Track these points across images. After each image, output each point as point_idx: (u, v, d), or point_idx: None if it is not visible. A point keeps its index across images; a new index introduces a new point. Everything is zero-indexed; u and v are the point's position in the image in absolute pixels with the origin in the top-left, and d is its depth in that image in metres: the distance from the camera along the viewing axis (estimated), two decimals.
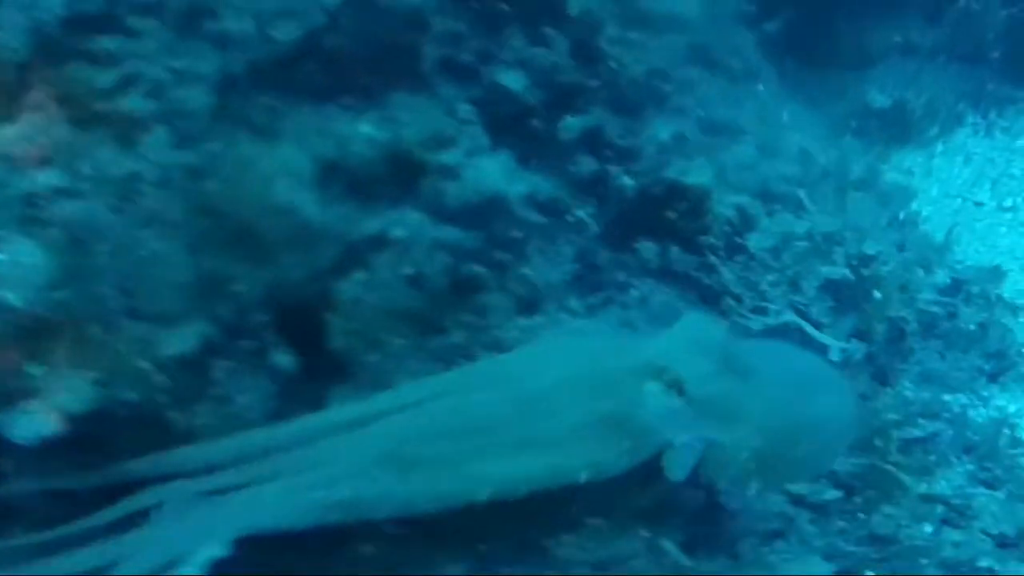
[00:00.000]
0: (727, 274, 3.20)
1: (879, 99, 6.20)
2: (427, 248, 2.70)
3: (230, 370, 2.52)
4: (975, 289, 4.91)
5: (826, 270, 3.44)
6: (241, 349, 2.55)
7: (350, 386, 2.63)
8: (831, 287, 3.44)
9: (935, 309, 4.81)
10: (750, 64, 5.84)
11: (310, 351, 2.60)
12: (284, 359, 2.55)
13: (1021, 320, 5.04)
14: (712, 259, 3.16)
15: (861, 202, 5.25)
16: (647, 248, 3.08)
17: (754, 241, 3.32)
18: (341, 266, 2.66)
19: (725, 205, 3.31)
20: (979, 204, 5.75)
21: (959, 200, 5.78)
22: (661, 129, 3.12)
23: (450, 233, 2.76)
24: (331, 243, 2.65)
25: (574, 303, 2.92)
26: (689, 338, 2.16)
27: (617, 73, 3.07)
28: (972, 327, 4.72)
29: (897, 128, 6.21)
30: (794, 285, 3.31)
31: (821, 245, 3.48)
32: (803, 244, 3.37)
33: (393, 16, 2.81)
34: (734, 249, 3.27)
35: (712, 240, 3.21)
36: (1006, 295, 5.07)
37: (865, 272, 3.55)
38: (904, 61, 6.52)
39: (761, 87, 4.69)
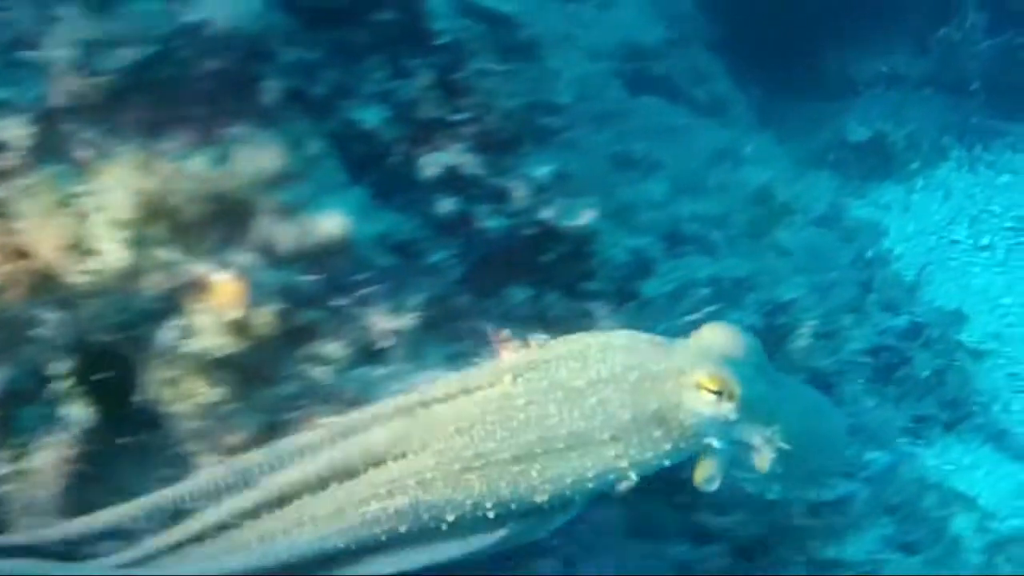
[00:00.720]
0: (611, 323, 2.96)
1: (858, 132, 5.92)
2: (257, 292, 2.49)
3: (30, 418, 2.35)
4: (935, 333, 4.63)
5: (733, 317, 3.18)
6: (42, 397, 2.38)
7: (160, 439, 2.44)
8: None
9: (889, 354, 4.55)
10: (717, 94, 5.61)
11: (116, 402, 2.41)
12: (83, 411, 2.37)
13: (986, 365, 4.74)
14: (593, 306, 2.92)
15: (822, 240, 5.02)
16: (516, 294, 2.85)
17: (650, 287, 3.08)
18: (159, 311, 2.46)
19: (619, 248, 3.07)
20: (955, 242, 5.44)
21: (935, 237, 5.48)
22: (541, 166, 2.89)
23: (284, 277, 2.56)
24: (149, 286, 2.46)
25: (429, 352, 2.71)
26: (726, 343, 2.18)
27: (488, 107, 2.85)
28: (927, 373, 4.44)
29: (876, 161, 5.92)
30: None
31: (730, 291, 3.23)
32: (707, 291, 3.12)
33: (234, 45, 2.62)
34: (625, 296, 3.03)
35: (597, 286, 2.97)
36: (969, 340, 4.77)
37: (780, 320, 3.29)
38: (888, 92, 6.23)
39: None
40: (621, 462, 2.09)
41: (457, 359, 2.68)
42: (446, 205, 2.81)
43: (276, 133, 2.66)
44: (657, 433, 2.08)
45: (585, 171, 3.16)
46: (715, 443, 2.11)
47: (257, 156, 2.62)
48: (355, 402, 2.51)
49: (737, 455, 2.16)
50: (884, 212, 5.66)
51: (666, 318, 3.06)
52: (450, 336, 2.75)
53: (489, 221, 2.83)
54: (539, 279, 2.90)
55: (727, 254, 3.34)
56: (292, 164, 2.63)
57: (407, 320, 2.63)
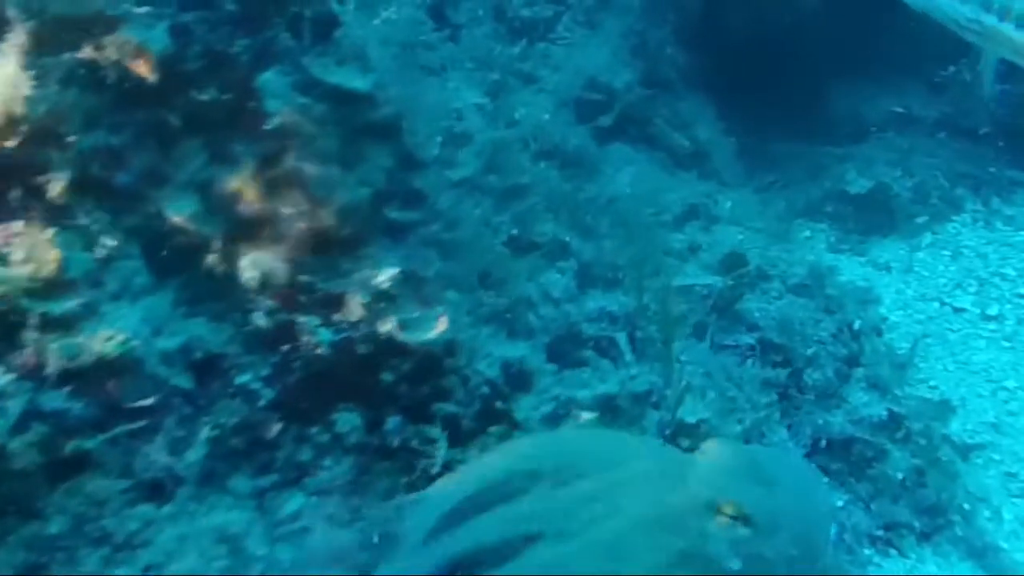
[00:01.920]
0: (467, 453, 2.50)
1: (858, 182, 5.34)
2: (18, 417, 2.09)
3: None
4: (916, 426, 4.06)
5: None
6: None
7: None
8: None
9: (862, 446, 4.01)
10: (699, 140, 5.10)
11: None
12: None
13: (979, 462, 4.16)
14: (442, 435, 2.46)
15: (800, 311, 4.48)
16: (347, 420, 2.41)
17: (523, 408, 2.61)
18: None
19: (487, 361, 2.60)
20: (959, 310, 4.84)
21: (936, 304, 4.89)
22: (385, 269, 2.44)
23: (54, 399, 2.15)
24: None
25: (234, 485, 2.28)
26: (728, 464, 2.19)
27: (322, 200, 2.41)
28: (899, 475, 3.89)
29: (879, 215, 5.34)
30: None
31: (628, 409, 2.74)
32: (591, 414, 2.63)
33: (17, 131, 2.23)
34: (490, 418, 2.56)
35: (453, 408, 2.51)
36: (962, 430, 4.20)
37: (684, 444, 2.78)
38: (899, 137, 5.64)
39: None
40: None
41: (266, 494, 2.25)
42: (264, 315, 2.37)
43: (62, 231, 2.25)
44: (690, 567, 2.04)
45: (454, 270, 2.69)
46: (735, 565, 2.05)
47: (33, 258, 2.21)
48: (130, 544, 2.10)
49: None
50: (882, 274, 5.08)
51: None
52: (262, 467, 2.32)
53: (316, 335, 2.39)
54: (377, 402, 2.45)
55: (633, 361, 2.85)
56: (76, 266, 2.21)
57: (197, 451, 2.21)
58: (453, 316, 2.60)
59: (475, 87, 4.49)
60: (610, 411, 2.71)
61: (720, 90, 5.41)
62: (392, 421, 2.46)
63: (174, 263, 2.37)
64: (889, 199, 5.30)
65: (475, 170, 3.07)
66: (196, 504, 2.21)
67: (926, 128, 5.64)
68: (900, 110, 5.73)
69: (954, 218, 5.32)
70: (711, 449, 2.24)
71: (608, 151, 4.80)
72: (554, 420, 2.63)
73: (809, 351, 4.24)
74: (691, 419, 2.76)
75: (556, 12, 4.89)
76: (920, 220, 5.28)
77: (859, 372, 4.28)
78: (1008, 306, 4.81)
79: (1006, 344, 4.64)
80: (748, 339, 4.27)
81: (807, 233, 5.40)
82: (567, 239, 3.09)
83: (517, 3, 4.88)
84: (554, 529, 2.05)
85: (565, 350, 2.83)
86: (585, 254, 3.10)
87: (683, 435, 2.77)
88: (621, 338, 2.88)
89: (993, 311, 4.79)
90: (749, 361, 4.19)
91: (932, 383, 4.51)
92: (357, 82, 2.53)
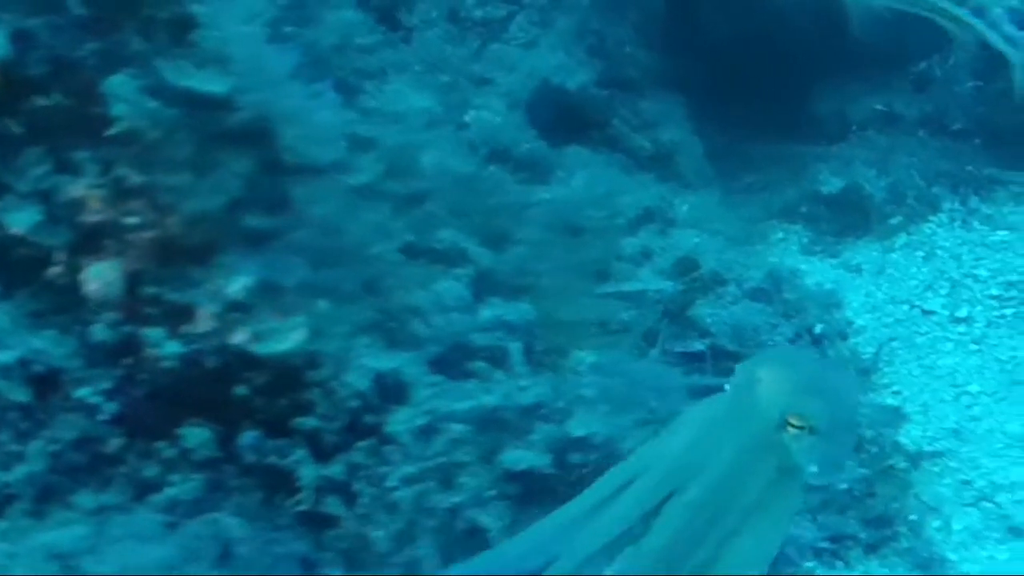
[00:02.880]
0: (331, 468, 2.38)
1: (831, 183, 5.15)
2: None
3: None
4: (868, 434, 3.87)
5: (511, 457, 2.55)
6: None
7: None
8: (516, 479, 2.55)
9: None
10: (663, 142, 4.94)
11: None
12: None
13: (935, 470, 3.97)
14: (303, 450, 2.34)
15: (756, 316, 4.31)
16: (196, 434, 2.30)
17: (396, 422, 2.48)
18: None
19: (357, 373, 2.48)
20: (928, 313, 4.63)
21: (906, 307, 4.68)
22: (238, 279, 2.33)
23: None
24: None
25: (74, 501, 2.19)
26: (784, 384, 2.32)
27: (170, 209, 2.31)
28: (843, 485, 3.70)
29: (854, 216, 5.14)
30: (444, 482, 2.45)
31: (512, 423, 2.60)
32: (462, 427, 2.49)
33: None
34: (358, 432, 2.44)
35: (315, 423, 2.39)
36: (915, 440, 4.00)
37: (575, 459, 2.64)
38: (880, 135, 5.43)
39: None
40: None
41: (106, 512, 2.15)
42: (108, 327, 2.27)
43: None
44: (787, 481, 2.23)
45: (332, 277, 2.58)
46: (813, 468, 2.23)
47: None
48: None
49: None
50: (854, 276, 4.88)
51: (409, 461, 2.47)
52: (99, 485, 2.22)
53: (162, 347, 2.28)
54: (230, 417, 2.34)
55: (526, 372, 2.70)
56: None
57: (32, 466, 2.11)
58: (321, 326, 2.48)
59: (423, 90, 4.37)
60: (493, 424, 2.57)
61: (694, 90, 5.24)
62: (248, 436, 2.35)
63: (17, 276, 2.28)
64: (863, 199, 5.10)
65: (376, 175, 2.94)
66: (30, 520, 2.12)
67: (908, 126, 5.42)
68: (882, 108, 5.51)
69: (931, 218, 5.10)
70: (765, 375, 2.34)
71: (564, 153, 4.65)
72: (427, 433, 2.50)
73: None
74: (579, 432, 2.61)
75: (510, 12, 4.75)
76: (895, 221, 5.07)
77: None
78: (979, 308, 4.59)
79: (974, 347, 4.42)
80: (699, 345, 4.12)
81: (781, 235, 5.22)
82: (467, 246, 2.94)
83: (470, 4, 4.75)
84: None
85: (453, 361, 2.69)
86: (487, 262, 2.96)
87: (573, 449, 2.63)
88: (515, 348, 2.74)
89: (963, 313, 4.57)
90: (697, 368, 4.05)
91: (896, 388, 4.32)
92: (214, 86, 2.42)
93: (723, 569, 2.16)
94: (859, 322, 4.64)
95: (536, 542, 2.15)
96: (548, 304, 3.03)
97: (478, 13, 4.77)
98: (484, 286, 2.91)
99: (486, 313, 2.83)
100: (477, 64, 4.66)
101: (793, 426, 2.26)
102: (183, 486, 2.28)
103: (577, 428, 2.62)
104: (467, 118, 4.54)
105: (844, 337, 4.50)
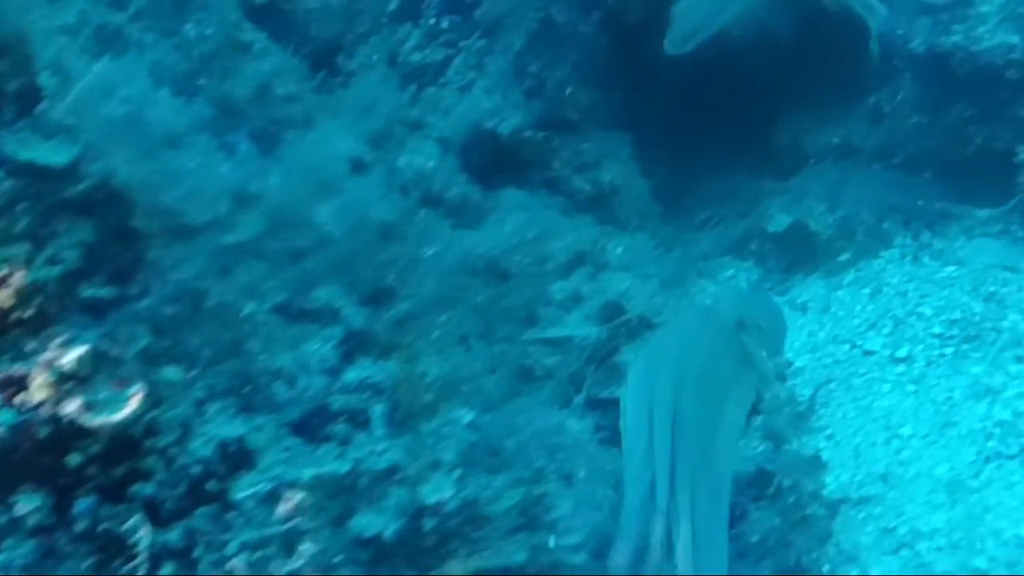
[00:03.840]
0: (169, 534, 2.38)
1: (778, 219, 5.08)
2: None
3: None
4: (786, 482, 3.80)
5: (360, 523, 2.53)
6: None
7: None
8: (365, 545, 2.53)
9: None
10: (602, 182, 4.90)
11: None
12: None
13: (859, 516, 3.89)
14: (141, 516, 2.34)
15: None
16: (28, 501, 2.30)
17: (241, 488, 2.47)
18: None
19: (204, 440, 2.47)
20: (869, 353, 4.55)
21: (847, 347, 4.60)
22: (72, 348, 2.34)
23: None
24: None
25: None
26: (733, 302, 3.51)
27: (3, 281, 2.32)
28: (755, 538, 3.64)
29: (803, 252, 5.07)
30: (286, 548, 2.43)
31: (365, 489, 2.58)
32: (305, 495, 2.47)
33: None
34: (201, 500, 2.43)
35: (152, 490, 2.39)
36: (843, 486, 3.93)
37: (429, 524, 2.60)
38: (833, 168, 5.36)
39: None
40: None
41: None
42: None
43: None
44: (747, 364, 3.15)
45: (184, 342, 2.58)
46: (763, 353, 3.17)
47: None
48: None
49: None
50: (798, 314, 4.81)
51: (251, 527, 2.45)
52: None
53: None
54: (64, 485, 2.34)
55: (384, 436, 2.67)
56: None
57: None
58: (165, 394, 2.48)
59: (355, 136, 4.38)
60: (344, 490, 2.55)
61: (642, 127, 5.21)
62: (82, 503, 2.35)
63: None
64: (810, 236, 5.03)
65: (255, 233, 2.93)
66: None
67: (863, 159, 5.35)
68: (838, 141, 5.44)
69: (882, 253, 5.02)
70: (722, 298, 3.77)
71: (500, 196, 4.64)
72: (271, 499, 2.48)
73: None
74: (432, 499, 2.58)
75: (447, 56, 4.76)
76: (843, 257, 5.00)
77: (757, 420, 4.04)
78: (920, 347, 4.50)
79: (911, 388, 4.34)
80: None
81: (731, 272, 5.16)
82: (341, 306, 2.93)
83: (409, 48, 4.76)
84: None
85: (312, 424, 2.68)
86: (360, 321, 2.94)
87: (427, 515, 2.59)
88: (376, 411, 2.72)
89: (903, 352, 4.48)
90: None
91: (830, 431, 4.25)
92: (56, 157, 2.43)
93: (724, 428, 2.90)
94: (799, 362, 4.57)
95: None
96: (431, 361, 3.00)
97: (416, 57, 4.78)
98: (355, 346, 2.89)
99: (352, 374, 2.80)
100: (413, 108, 4.66)
101: (746, 325, 3.14)
102: (13, 552, 2.28)
103: (431, 494, 2.58)
104: (399, 163, 4.54)
105: (782, 379, 4.42)
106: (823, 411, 4.33)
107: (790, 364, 4.55)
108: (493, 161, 4.59)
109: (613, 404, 4.03)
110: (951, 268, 4.84)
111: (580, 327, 4.21)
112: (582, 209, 4.71)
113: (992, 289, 4.59)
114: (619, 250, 4.49)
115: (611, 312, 4.21)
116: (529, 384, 3.98)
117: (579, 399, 4.08)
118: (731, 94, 5.19)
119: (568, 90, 4.79)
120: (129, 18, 3.88)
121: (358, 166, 4.21)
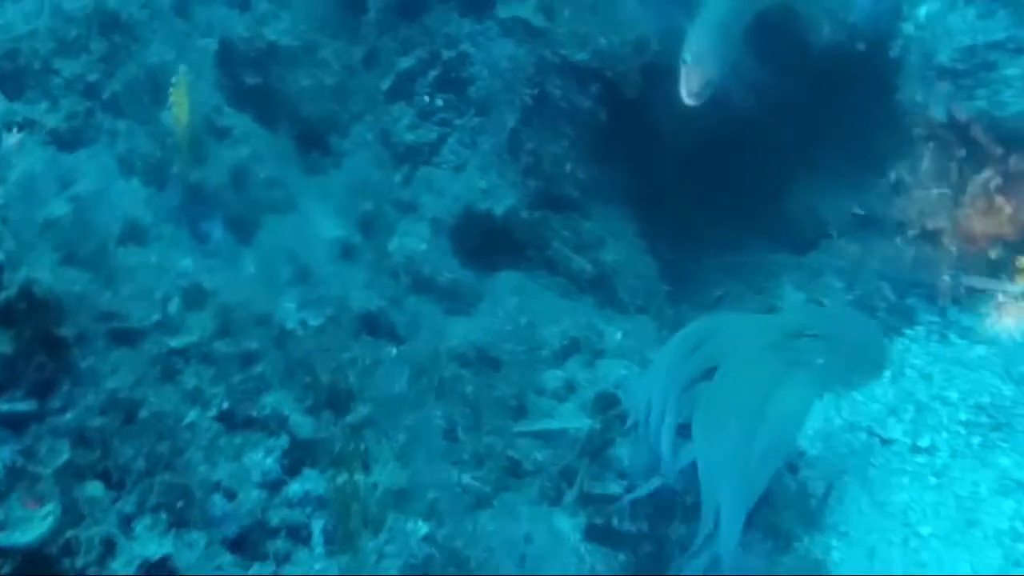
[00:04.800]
0: None
1: (791, 298, 4.90)
2: None
3: None
4: None
5: None
6: None
7: None
8: None
9: None
10: (605, 264, 4.76)
11: None
12: None
13: None
14: None
15: None
16: None
17: None
18: None
19: (126, 559, 2.37)
20: (888, 442, 4.32)
21: (864, 435, 4.38)
22: None
23: None
24: None
25: None
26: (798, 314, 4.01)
27: None
28: None
29: None
30: None
31: None
32: None
33: None
34: None
35: None
36: None
37: None
38: (854, 242, 5.17)
39: None
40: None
41: None
42: None
43: None
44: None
45: (116, 456, 2.48)
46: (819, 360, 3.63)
47: None
48: None
49: None
50: (815, 400, 4.58)
51: None
52: None
53: None
54: None
55: (323, 553, 2.54)
56: None
57: None
58: (86, 512, 2.38)
59: (342, 219, 4.31)
60: None
61: (646, 203, 5.07)
62: None
63: None
64: None
65: (204, 335, 2.85)
66: None
67: (886, 231, 5.15)
68: (860, 212, 5.26)
69: (906, 331, 4.80)
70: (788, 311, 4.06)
71: (495, 280, 4.53)
72: None
73: (691, 500, 3.84)
74: None
75: (441, 135, 4.68)
76: None
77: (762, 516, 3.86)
78: (943, 435, 4.26)
79: (932, 480, 4.10)
80: (616, 488, 3.90)
81: None
82: (289, 414, 2.81)
83: (402, 127, 4.69)
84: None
85: (252, 540, 2.56)
86: (307, 431, 2.82)
87: None
88: (316, 527, 2.59)
89: (925, 442, 4.25)
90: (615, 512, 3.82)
91: (843, 528, 4.03)
92: None
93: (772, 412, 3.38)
94: (811, 452, 4.35)
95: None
96: (387, 470, 2.88)
97: (410, 137, 4.71)
98: (301, 456, 2.77)
99: (296, 487, 2.69)
100: (405, 189, 4.58)
101: (804, 335, 3.53)
102: None
103: None
104: (390, 247, 4.45)
105: (794, 470, 4.22)
106: (838, 505, 4.10)
107: (802, 454, 4.34)
108: (486, 243, 4.48)
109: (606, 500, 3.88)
110: (981, 348, 4.61)
111: (572, 419, 4.06)
112: (583, 290, 4.57)
113: None
114: (618, 335, 4.33)
115: (605, 403, 4.05)
116: (517, 480, 3.84)
117: (571, 495, 3.92)
118: (744, 165, 5.06)
119: (567, 166, 4.67)
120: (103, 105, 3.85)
121: (345, 251, 4.14)
